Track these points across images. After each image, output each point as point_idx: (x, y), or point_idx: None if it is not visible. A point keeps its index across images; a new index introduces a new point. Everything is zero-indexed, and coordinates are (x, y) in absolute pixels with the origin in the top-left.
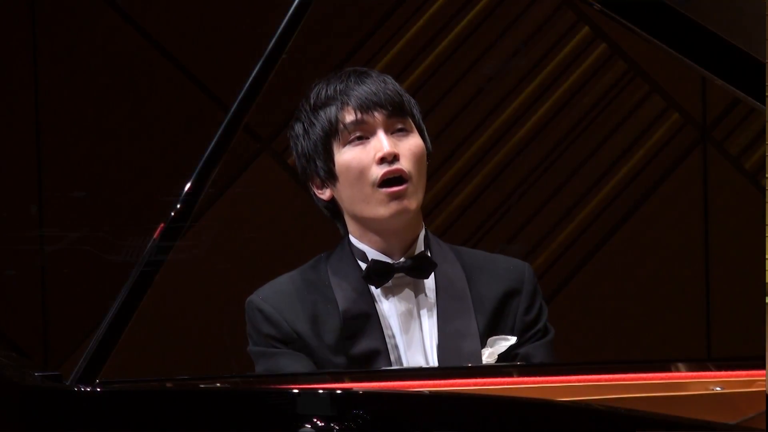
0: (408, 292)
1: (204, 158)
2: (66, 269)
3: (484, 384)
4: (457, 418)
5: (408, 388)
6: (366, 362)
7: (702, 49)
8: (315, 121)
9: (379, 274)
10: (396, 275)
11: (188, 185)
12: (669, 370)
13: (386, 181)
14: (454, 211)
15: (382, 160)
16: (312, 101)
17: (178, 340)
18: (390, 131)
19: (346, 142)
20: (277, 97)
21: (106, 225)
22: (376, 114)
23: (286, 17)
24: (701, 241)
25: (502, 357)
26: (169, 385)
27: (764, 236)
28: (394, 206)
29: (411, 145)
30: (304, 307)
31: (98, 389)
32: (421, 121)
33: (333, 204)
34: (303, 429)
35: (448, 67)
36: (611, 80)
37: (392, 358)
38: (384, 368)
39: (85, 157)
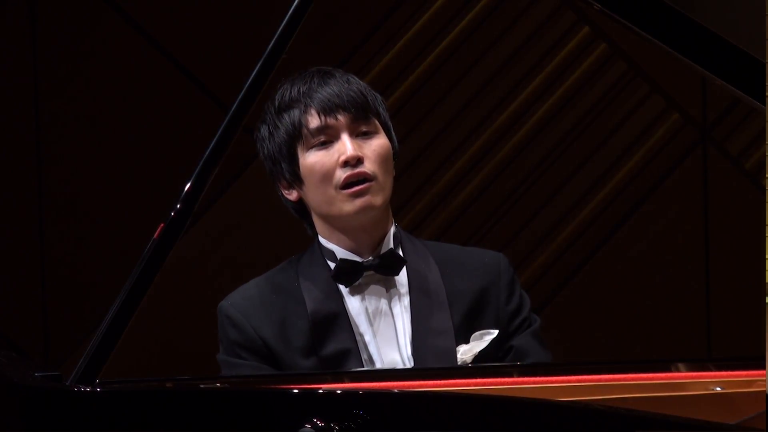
0: (379, 290)
1: (204, 158)
2: (66, 269)
3: (484, 384)
4: (457, 418)
5: (407, 388)
6: (337, 363)
7: (702, 49)
8: (279, 124)
9: (347, 272)
10: (366, 273)
11: (188, 185)
12: (669, 370)
13: (349, 183)
14: (455, 211)
15: (346, 164)
16: (276, 103)
17: (178, 340)
18: (354, 134)
19: (310, 146)
20: None
21: (106, 225)
22: (340, 117)
23: (286, 17)
24: (701, 241)
25: (491, 351)
26: (169, 385)
27: (764, 236)
28: (358, 203)
29: (375, 146)
30: (272, 311)
31: (98, 389)
32: (387, 119)
33: (300, 205)
34: (303, 429)
35: (448, 67)
36: (611, 80)
37: (364, 357)
38: (383, 369)
39: (85, 157)
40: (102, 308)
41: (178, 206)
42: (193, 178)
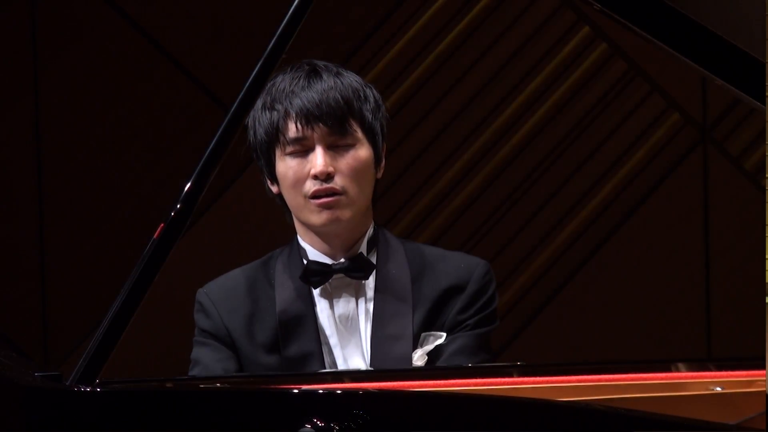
0: (348, 294)
1: (204, 158)
2: (66, 269)
3: (484, 384)
4: (457, 418)
5: (406, 388)
6: (298, 364)
7: (702, 49)
8: (261, 122)
9: (316, 274)
10: (336, 276)
11: (188, 185)
12: (669, 370)
13: (318, 195)
14: (455, 211)
15: (316, 177)
16: (264, 97)
17: (178, 340)
18: (330, 146)
19: (286, 152)
20: None
21: (106, 224)
22: (316, 128)
23: (286, 17)
24: (701, 241)
25: (431, 353)
26: (169, 385)
27: (764, 236)
28: (325, 215)
29: (351, 160)
30: (243, 304)
31: (98, 389)
32: (374, 123)
33: (282, 197)
34: (303, 429)
35: (448, 67)
36: (611, 80)
37: (327, 361)
38: (383, 369)
39: (85, 157)
40: (102, 308)
41: (178, 206)
42: (193, 178)
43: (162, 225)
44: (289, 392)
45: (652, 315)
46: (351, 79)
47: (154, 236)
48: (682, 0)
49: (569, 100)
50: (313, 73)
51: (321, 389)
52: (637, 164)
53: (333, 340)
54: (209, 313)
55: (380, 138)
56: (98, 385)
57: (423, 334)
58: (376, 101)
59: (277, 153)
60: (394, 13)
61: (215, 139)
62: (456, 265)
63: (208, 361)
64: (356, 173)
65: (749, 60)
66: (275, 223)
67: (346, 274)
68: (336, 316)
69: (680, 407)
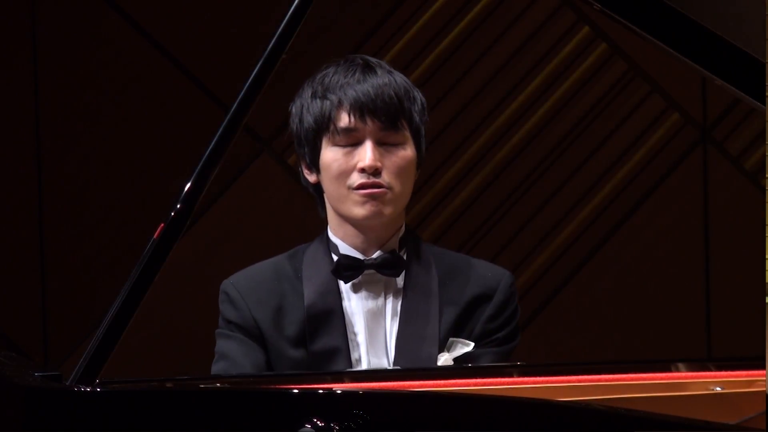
0: (377, 291)
1: (204, 158)
2: (66, 269)
3: (484, 384)
4: (458, 418)
5: (406, 388)
6: (325, 359)
7: (702, 49)
8: (311, 110)
9: (348, 269)
10: (366, 272)
11: (188, 185)
12: (669, 370)
13: (363, 186)
14: (455, 211)
15: (363, 170)
16: (314, 86)
17: (178, 340)
18: (379, 142)
19: (335, 143)
20: (277, 97)
21: (106, 224)
22: (369, 122)
23: (286, 17)
24: (701, 241)
25: (456, 361)
26: (169, 385)
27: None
28: (369, 207)
29: (398, 158)
30: (271, 296)
31: (98, 389)
32: (420, 125)
33: (318, 188)
34: (303, 429)
35: (448, 67)
36: (611, 80)
37: (353, 357)
38: (383, 369)
39: (85, 156)
40: (102, 308)
41: (178, 206)
42: (193, 178)
43: (162, 225)
44: (289, 392)
45: (652, 315)
46: (401, 78)
47: (154, 236)
48: (682, 0)
49: (569, 100)
50: (368, 68)
51: (321, 389)
52: (637, 164)
53: (360, 337)
54: (237, 305)
55: (423, 140)
56: (98, 385)
57: (450, 340)
58: (422, 104)
59: (324, 142)
60: (394, 13)
61: (215, 139)
62: (483, 273)
63: (236, 355)
64: (402, 171)
65: (749, 60)
66: (275, 223)
67: (377, 271)
68: (364, 311)
69: (680, 407)
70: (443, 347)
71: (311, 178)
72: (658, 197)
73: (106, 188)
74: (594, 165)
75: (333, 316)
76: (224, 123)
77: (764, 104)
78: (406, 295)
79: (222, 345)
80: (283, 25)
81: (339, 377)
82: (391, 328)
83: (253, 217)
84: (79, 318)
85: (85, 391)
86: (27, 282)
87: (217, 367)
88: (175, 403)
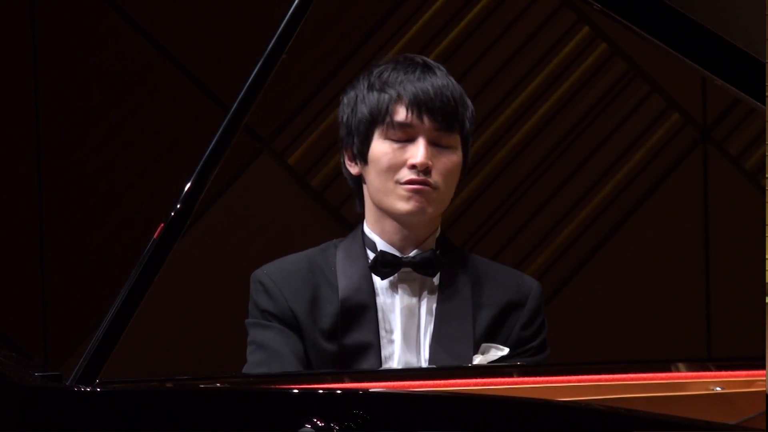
0: (413, 289)
1: (204, 158)
2: (66, 269)
3: (484, 384)
4: (457, 418)
5: (407, 388)
6: (357, 354)
7: (702, 49)
8: (366, 102)
9: (386, 265)
10: (403, 270)
11: (188, 185)
12: (669, 370)
13: (411, 181)
14: (455, 211)
15: (413, 167)
16: (372, 79)
17: (178, 340)
18: (432, 141)
19: (387, 136)
20: (277, 97)
21: (106, 224)
22: (425, 119)
23: (286, 17)
24: (701, 241)
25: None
26: (169, 385)
27: (764, 236)
28: (413, 203)
29: (447, 161)
30: (306, 288)
31: (98, 389)
32: (469, 133)
33: (358, 180)
34: (303, 429)
35: (448, 67)
36: (611, 80)
37: (385, 353)
38: (383, 368)
39: (85, 156)
40: (102, 308)
41: (178, 206)
42: (193, 178)
43: (162, 225)
44: (289, 392)
45: (652, 315)
46: (457, 84)
47: (154, 236)
48: (682, 0)
49: (569, 100)
50: (428, 68)
51: (321, 389)
52: (637, 164)
53: (393, 334)
54: (273, 295)
55: (469, 149)
56: (98, 385)
57: (484, 345)
58: (472, 113)
59: (377, 134)
60: (394, 13)
61: (215, 139)
62: (514, 281)
63: (276, 345)
64: (449, 174)
65: (749, 60)
66: (275, 223)
67: (414, 269)
68: (400, 309)
69: (680, 407)
70: (477, 349)
71: (353, 169)
72: (658, 197)
73: (106, 188)
74: (594, 165)
75: (367, 311)
76: (224, 123)
77: (764, 104)
78: (441, 295)
79: (258, 335)
80: (283, 25)
81: (339, 377)
82: (426, 327)
83: (253, 217)
84: (79, 318)
85: (85, 391)
86: (27, 282)
87: (255, 357)
88: (175, 403)
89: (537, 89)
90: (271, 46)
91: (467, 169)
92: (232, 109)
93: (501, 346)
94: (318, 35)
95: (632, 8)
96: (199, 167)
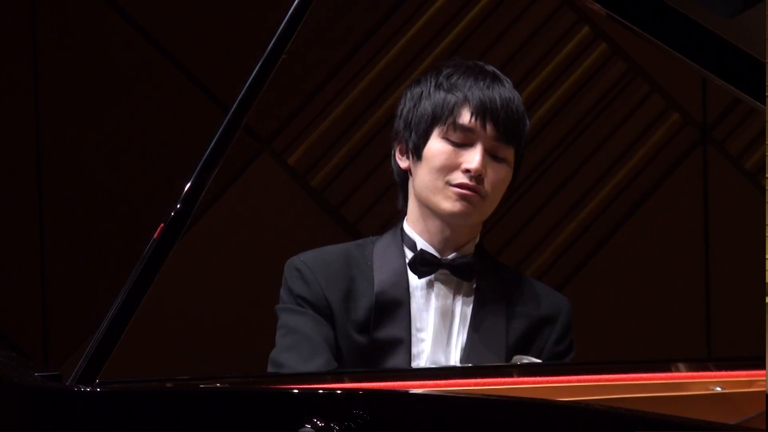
0: (449, 291)
1: (204, 158)
2: (66, 269)
3: (484, 384)
4: (457, 418)
5: (407, 388)
6: (387, 348)
7: (702, 49)
8: (431, 98)
9: (425, 263)
10: (441, 271)
11: (188, 185)
12: (669, 370)
13: (461, 185)
14: None
15: (467, 172)
16: (440, 78)
17: (178, 340)
18: (489, 151)
19: (446, 136)
20: (277, 97)
21: (106, 225)
22: (488, 127)
23: (286, 17)
24: (701, 241)
25: None
26: (169, 385)
27: (764, 236)
28: (459, 205)
29: (500, 173)
30: (341, 279)
31: (98, 389)
32: (522, 152)
33: (405, 174)
34: (303, 429)
35: None
36: (611, 80)
37: (414, 351)
38: (383, 368)
39: (85, 157)
40: (102, 308)
41: (178, 206)
42: (193, 178)
43: (162, 225)
44: (289, 392)
45: (652, 315)
46: (521, 101)
47: (154, 236)
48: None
49: (569, 100)
50: (497, 78)
51: (321, 389)
52: (637, 164)
53: (424, 333)
54: (308, 281)
55: (519, 167)
56: (98, 385)
57: (517, 356)
58: (527, 133)
59: (435, 132)
60: (394, 13)
61: (215, 139)
62: (546, 295)
63: (308, 330)
64: (499, 185)
65: (749, 60)
66: (275, 223)
67: (452, 272)
68: (434, 309)
69: (680, 407)
70: (508, 359)
71: (403, 163)
72: (658, 197)
73: (106, 188)
74: (594, 165)
75: (400, 308)
76: (224, 123)
77: (764, 104)
78: (477, 300)
79: (290, 319)
80: (283, 25)
81: (339, 377)
82: (459, 331)
83: (253, 217)
84: (79, 318)
85: (85, 391)
86: (27, 282)
87: (286, 342)
88: (175, 403)
89: (537, 89)
90: (271, 46)
91: (514, 186)
92: (232, 109)
93: (533, 359)
94: (318, 35)
95: (632, 8)
96: (199, 167)
